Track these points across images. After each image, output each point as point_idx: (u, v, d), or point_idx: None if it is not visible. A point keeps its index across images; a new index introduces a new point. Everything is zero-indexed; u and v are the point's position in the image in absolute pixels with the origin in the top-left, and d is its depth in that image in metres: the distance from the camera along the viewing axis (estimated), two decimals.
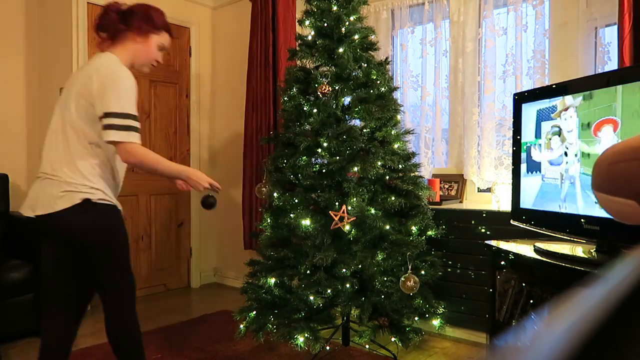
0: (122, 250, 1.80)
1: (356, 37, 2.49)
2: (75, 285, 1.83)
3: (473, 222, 2.67)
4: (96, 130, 1.67)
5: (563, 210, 1.90)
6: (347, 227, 2.26)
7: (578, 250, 1.88)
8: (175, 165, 1.85)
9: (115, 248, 1.78)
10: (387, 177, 2.41)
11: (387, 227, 2.30)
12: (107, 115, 1.62)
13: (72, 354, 2.54)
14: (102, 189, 1.70)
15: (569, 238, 1.93)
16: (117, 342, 1.84)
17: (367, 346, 2.54)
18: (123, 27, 1.76)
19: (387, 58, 2.62)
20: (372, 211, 2.31)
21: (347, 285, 2.23)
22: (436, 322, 2.50)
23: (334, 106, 2.41)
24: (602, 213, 1.70)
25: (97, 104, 1.63)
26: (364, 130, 2.40)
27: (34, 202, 1.71)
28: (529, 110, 2.11)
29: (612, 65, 2.50)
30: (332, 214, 2.23)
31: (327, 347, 2.48)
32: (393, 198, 2.35)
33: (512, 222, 2.22)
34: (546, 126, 2.01)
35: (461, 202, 3.05)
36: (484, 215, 2.63)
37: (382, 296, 2.32)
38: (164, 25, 1.84)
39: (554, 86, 2.02)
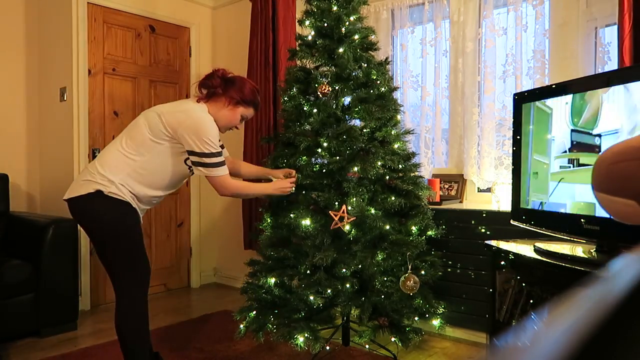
0: (127, 245, 1.92)
1: (356, 37, 2.49)
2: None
3: (473, 222, 2.67)
4: (159, 144, 1.93)
5: (563, 210, 1.90)
6: (347, 227, 2.25)
7: (578, 250, 1.88)
8: (261, 186, 2.23)
9: (120, 241, 1.90)
10: (387, 177, 2.41)
11: (387, 227, 2.30)
12: (191, 153, 1.93)
13: (72, 354, 2.55)
14: (117, 184, 1.88)
15: (569, 238, 1.92)
16: (121, 336, 1.92)
17: (367, 346, 2.54)
18: (220, 92, 2.06)
19: (387, 58, 2.62)
20: (372, 211, 2.30)
21: (347, 285, 2.23)
22: (436, 322, 2.50)
23: (334, 106, 2.41)
24: (602, 213, 1.70)
25: (183, 141, 1.92)
26: (364, 130, 2.40)
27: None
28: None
29: (612, 65, 2.50)
30: (332, 214, 2.23)
31: (327, 347, 2.47)
32: (393, 198, 2.35)
33: (512, 222, 2.22)
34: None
35: (461, 202, 3.05)
36: (484, 215, 2.63)
37: (382, 296, 2.32)
38: (253, 101, 2.14)
39: (553, 86, 2.02)
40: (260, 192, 2.20)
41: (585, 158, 1.81)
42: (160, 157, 1.94)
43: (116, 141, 1.98)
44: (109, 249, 1.91)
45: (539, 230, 2.05)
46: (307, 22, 2.55)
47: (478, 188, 3.04)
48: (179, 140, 1.93)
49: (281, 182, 2.23)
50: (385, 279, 2.34)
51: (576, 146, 1.85)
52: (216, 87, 2.06)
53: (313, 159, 2.42)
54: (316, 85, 2.44)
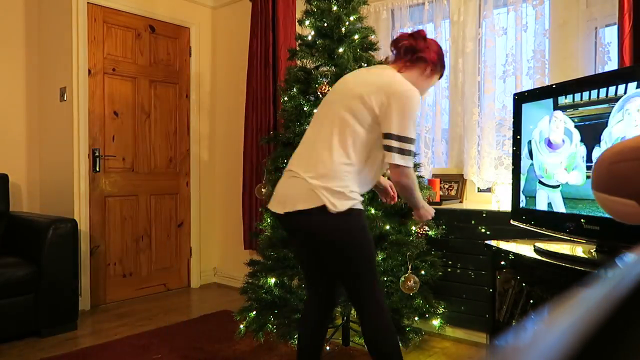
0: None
1: (356, 37, 2.49)
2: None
3: (473, 222, 2.67)
4: (371, 138, 1.64)
5: (563, 211, 1.90)
6: None
7: (578, 250, 1.88)
8: (421, 197, 1.81)
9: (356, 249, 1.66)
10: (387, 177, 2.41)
11: (387, 227, 2.30)
12: (388, 136, 1.59)
13: (72, 354, 2.55)
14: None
15: (569, 238, 1.92)
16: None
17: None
18: (424, 58, 1.73)
19: (387, 58, 2.61)
20: (372, 211, 2.30)
21: None
22: (436, 322, 2.50)
23: None
24: (602, 213, 1.70)
25: (382, 121, 1.60)
26: None
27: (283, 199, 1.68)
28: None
29: (612, 65, 2.50)
30: None
31: (327, 347, 2.47)
32: None
33: (512, 222, 2.22)
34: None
35: (461, 202, 3.05)
36: (484, 215, 2.63)
37: None
38: (443, 66, 1.83)
39: (554, 86, 2.02)
40: (418, 201, 1.79)
41: None
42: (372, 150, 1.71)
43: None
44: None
45: (539, 230, 2.05)
46: (307, 22, 2.55)
47: (478, 188, 3.04)
48: (381, 125, 1.62)
49: (430, 210, 1.86)
50: (385, 279, 2.34)
51: None
52: (423, 50, 1.71)
53: None
54: (316, 85, 2.44)
